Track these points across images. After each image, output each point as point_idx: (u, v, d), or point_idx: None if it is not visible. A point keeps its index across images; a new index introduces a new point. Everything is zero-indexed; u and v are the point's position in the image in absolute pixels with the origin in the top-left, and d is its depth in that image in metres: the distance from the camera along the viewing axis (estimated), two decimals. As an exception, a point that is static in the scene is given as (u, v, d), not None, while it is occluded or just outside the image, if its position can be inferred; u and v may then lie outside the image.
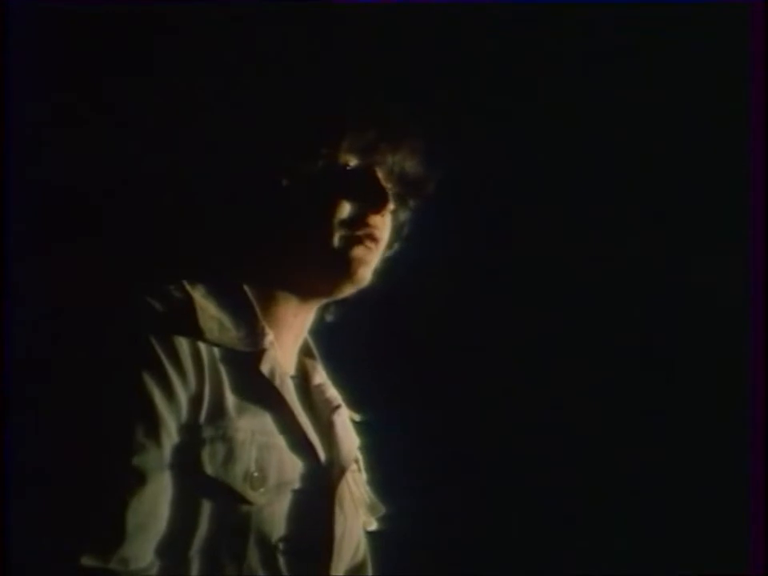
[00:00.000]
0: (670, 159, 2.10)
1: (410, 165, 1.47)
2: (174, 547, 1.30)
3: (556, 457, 2.11)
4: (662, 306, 2.14)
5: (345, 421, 1.53)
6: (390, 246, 1.49)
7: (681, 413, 2.10)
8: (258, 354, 1.40)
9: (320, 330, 1.54)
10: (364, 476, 1.56)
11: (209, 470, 1.32)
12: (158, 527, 1.29)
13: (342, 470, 1.45)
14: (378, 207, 1.43)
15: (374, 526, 1.54)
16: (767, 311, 1.92)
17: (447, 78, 2.05)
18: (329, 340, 1.56)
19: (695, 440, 2.07)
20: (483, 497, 2.11)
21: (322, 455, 1.43)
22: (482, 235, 2.11)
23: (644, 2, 2.03)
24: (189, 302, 1.38)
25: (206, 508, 1.32)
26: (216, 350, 1.37)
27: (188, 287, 1.39)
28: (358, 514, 1.50)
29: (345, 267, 1.43)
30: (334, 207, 1.42)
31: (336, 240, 1.42)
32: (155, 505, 1.29)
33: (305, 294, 1.46)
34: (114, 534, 1.26)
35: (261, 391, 1.39)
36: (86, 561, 1.25)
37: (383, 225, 1.45)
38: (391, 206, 1.45)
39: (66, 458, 1.29)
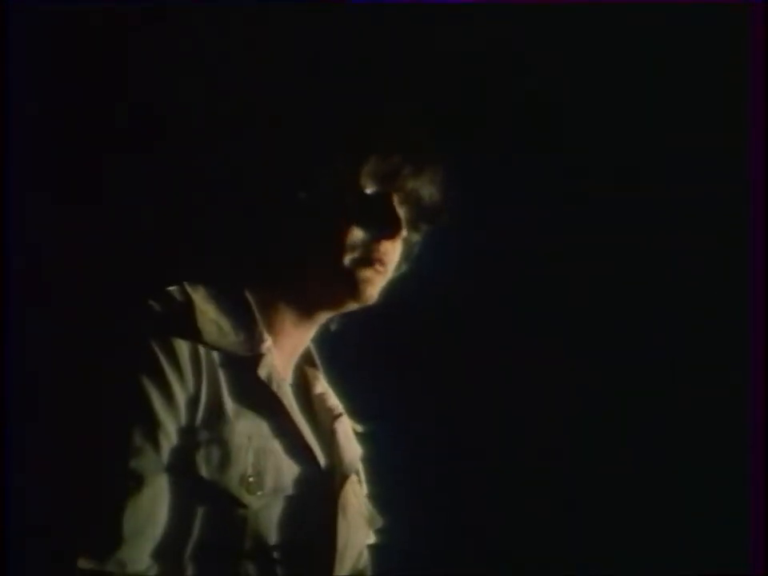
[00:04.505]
0: (669, 159, 2.10)
1: (428, 192, 1.47)
2: (171, 550, 1.30)
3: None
4: (663, 307, 2.14)
5: (347, 430, 1.52)
6: (398, 268, 1.49)
7: (681, 412, 2.10)
8: (256, 358, 1.40)
9: (323, 340, 1.54)
10: (365, 489, 1.55)
11: (204, 472, 1.32)
12: (155, 530, 1.29)
13: (345, 477, 1.45)
14: (391, 234, 1.43)
15: (371, 539, 1.54)
16: (767, 311, 1.92)
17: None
18: (332, 350, 1.56)
19: (695, 440, 2.07)
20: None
21: (321, 460, 1.43)
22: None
23: (644, 2, 2.03)
24: (188, 304, 1.38)
25: (202, 511, 1.32)
26: (214, 354, 1.37)
27: (189, 290, 1.39)
28: (362, 523, 1.49)
29: (352, 286, 1.43)
30: (347, 230, 1.41)
31: (346, 260, 1.41)
32: (153, 508, 1.29)
33: (308, 306, 1.46)
34: (111, 537, 1.27)
35: (258, 395, 1.39)
36: (83, 563, 1.25)
37: (394, 250, 1.45)
38: (404, 233, 1.45)
39: (64, 461, 1.30)
